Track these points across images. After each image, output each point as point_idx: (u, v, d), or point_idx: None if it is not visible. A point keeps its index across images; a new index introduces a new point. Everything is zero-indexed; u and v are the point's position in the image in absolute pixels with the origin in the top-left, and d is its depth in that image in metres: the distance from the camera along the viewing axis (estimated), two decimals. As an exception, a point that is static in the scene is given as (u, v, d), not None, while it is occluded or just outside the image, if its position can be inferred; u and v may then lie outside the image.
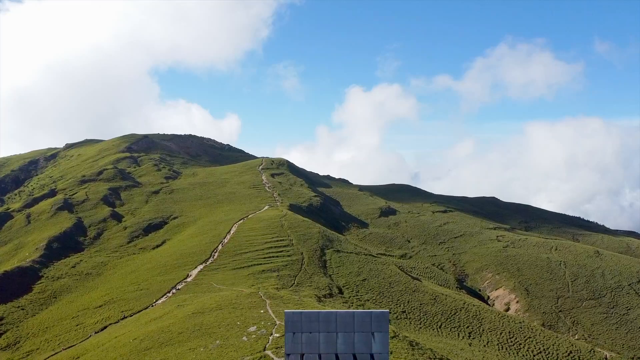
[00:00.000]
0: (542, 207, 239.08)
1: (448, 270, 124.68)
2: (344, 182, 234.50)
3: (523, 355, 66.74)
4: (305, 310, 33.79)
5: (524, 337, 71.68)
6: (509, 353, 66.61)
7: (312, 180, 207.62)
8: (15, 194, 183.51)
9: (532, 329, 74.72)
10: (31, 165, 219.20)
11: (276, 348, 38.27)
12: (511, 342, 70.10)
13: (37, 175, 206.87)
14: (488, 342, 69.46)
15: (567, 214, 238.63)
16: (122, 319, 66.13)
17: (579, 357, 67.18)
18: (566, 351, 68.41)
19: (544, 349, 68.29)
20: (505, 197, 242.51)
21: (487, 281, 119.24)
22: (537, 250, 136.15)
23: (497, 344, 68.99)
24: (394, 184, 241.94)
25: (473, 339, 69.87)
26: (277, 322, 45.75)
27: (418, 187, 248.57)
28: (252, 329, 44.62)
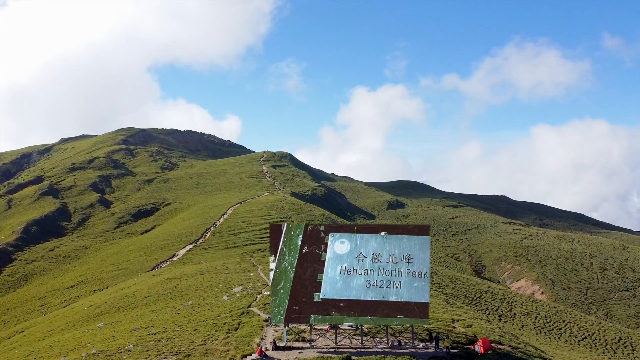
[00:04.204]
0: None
1: (463, 260, 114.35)
2: (348, 179, 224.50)
3: (566, 340, 56.35)
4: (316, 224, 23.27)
5: (563, 321, 61.29)
6: (550, 337, 56.28)
7: (316, 174, 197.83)
8: (4, 186, 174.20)
9: (570, 314, 64.32)
10: (23, 159, 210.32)
11: (264, 305, 28.51)
12: (549, 326, 59.75)
13: (29, 168, 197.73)
14: (522, 325, 59.14)
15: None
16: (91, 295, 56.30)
17: (631, 344, 56.82)
18: (615, 337, 58.02)
19: (589, 335, 57.92)
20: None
21: (507, 272, 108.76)
22: (559, 242, 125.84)
23: (534, 328, 58.68)
24: (401, 181, 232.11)
25: (505, 322, 59.65)
26: (270, 283, 35.97)
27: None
28: (237, 289, 34.84)
